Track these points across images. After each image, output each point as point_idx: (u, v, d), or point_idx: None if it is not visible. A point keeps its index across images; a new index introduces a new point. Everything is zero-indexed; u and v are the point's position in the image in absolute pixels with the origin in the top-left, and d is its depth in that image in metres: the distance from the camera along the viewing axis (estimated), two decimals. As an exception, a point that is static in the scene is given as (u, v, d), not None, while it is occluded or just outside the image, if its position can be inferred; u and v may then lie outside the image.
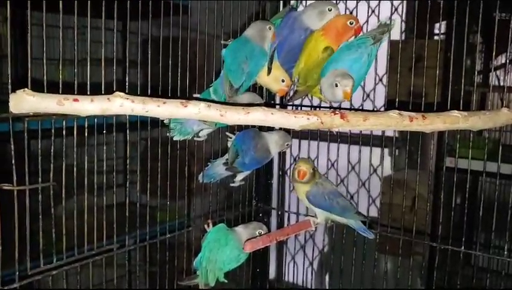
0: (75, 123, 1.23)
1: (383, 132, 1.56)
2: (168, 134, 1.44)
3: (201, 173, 1.59)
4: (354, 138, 1.65)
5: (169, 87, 1.43)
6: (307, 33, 1.56)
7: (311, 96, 1.70)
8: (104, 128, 1.28)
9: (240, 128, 1.65)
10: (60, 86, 1.19)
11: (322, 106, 1.68)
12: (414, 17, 1.52)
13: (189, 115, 1.05)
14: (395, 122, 1.14)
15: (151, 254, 1.39)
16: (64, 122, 1.21)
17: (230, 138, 1.62)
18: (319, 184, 1.49)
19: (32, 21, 1.13)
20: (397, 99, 1.48)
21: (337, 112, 1.11)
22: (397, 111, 1.14)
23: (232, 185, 1.66)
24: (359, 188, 1.69)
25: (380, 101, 1.84)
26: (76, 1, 1.20)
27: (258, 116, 1.07)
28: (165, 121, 1.43)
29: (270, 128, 1.64)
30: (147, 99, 1.03)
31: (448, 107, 1.35)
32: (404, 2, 1.73)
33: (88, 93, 1.24)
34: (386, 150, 2.16)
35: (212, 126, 1.46)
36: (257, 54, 1.47)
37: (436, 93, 1.47)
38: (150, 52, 1.41)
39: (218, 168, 1.59)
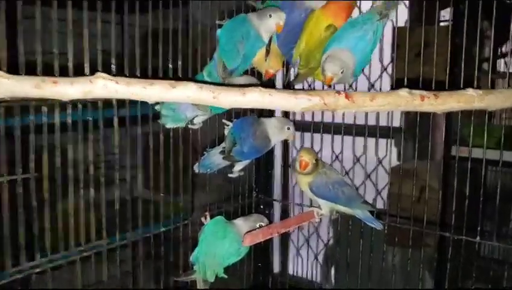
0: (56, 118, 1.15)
1: (390, 121, 1.48)
2: (159, 121, 1.36)
3: (197, 163, 1.52)
4: (358, 129, 1.57)
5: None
6: (307, 12, 1.48)
7: (314, 80, 1.62)
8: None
9: (238, 115, 1.58)
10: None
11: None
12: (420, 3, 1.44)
13: (179, 98, 0.98)
14: (405, 101, 1.06)
15: (146, 250, 1.32)
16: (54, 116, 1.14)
17: (228, 125, 1.54)
18: (323, 174, 1.41)
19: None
20: (405, 78, 1.39)
21: (341, 92, 1.03)
22: (407, 89, 1.06)
23: (230, 175, 1.59)
24: (365, 180, 1.61)
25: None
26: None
27: (255, 97, 1.00)
28: (156, 108, 1.36)
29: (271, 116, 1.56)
30: (132, 80, 0.96)
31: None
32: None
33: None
34: (392, 141, 2.07)
35: (206, 112, 1.39)
36: (253, 37, 1.39)
37: (446, 79, 1.39)
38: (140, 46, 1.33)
39: (214, 158, 1.51)
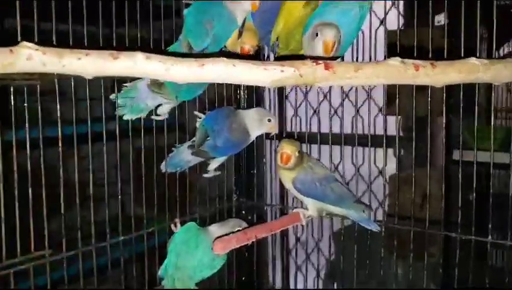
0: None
1: (385, 128, 1.36)
2: (115, 113, 1.20)
3: (164, 161, 1.35)
4: (356, 139, 1.42)
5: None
6: (285, -12, 1.33)
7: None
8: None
9: (213, 107, 1.42)
10: None
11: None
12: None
13: (122, 70, 0.82)
14: (396, 72, 0.91)
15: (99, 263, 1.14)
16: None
17: (200, 118, 1.38)
18: (308, 168, 1.25)
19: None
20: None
21: (319, 62, 0.87)
22: (399, 58, 0.91)
23: (205, 175, 1.42)
24: (369, 191, 1.44)
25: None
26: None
27: (216, 69, 0.84)
28: (111, 97, 1.19)
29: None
30: (64, 50, 0.80)
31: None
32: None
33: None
34: (390, 151, 1.92)
35: (171, 99, 1.22)
36: (226, 18, 1.23)
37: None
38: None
39: (184, 154, 1.35)
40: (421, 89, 1.26)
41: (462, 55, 1.26)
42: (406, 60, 0.91)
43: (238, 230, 1.25)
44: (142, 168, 1.26)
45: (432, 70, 0.92)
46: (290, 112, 1.60)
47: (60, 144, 1.06)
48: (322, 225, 1.62)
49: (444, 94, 1.28)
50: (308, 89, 1.58)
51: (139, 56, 0.82)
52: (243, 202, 1.60)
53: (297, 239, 1.87)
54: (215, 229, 1.31)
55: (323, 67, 0.87)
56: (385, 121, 1.38)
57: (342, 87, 1.45)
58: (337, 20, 1.18)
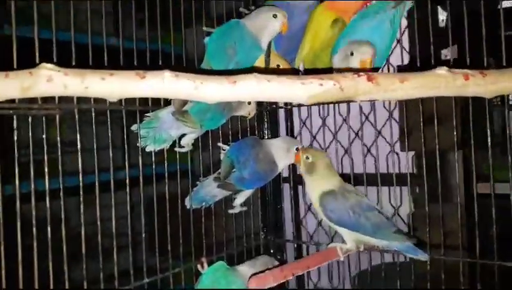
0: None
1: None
2: (138, 144, 1.14)
3: (188, 196, 1.28)
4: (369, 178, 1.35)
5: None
6: (309, 12, 1.31)
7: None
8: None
9: (237, 137, 1.36)
10: None
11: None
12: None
13: (150, 91, 0.77)
14: (444, 82, 0.85)
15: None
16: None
17: (224, 150, 1.32)
18: (339, 193, 1.17)
19: None
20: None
21: (361, 73, 0.82)
22: (445, 68, 0.85)
23: (231, 211, 1.35)
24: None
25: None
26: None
27: (249, 86, 0.79)
28: (132, 128, 1.14)
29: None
30: (86, 71, 0.75)
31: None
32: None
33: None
34: (405, 189, 1.83)
35: (195, 128, 1.17)
36: (249, 44, 1.20)
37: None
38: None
39: (209, 188, 1.28)
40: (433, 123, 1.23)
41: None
42: (454, 70, 0.86)
43: (269, 268, 1.17)
44: (167, 207, 1.18)
45: (482, 79, 0.85)
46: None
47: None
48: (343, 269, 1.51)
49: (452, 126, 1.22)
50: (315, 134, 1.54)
51: (167, 74, 0.77)
52: (270, 239, 1.52)
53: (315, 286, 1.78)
54: (245, 269, 1.22)
55: (366, 79, 0.81)
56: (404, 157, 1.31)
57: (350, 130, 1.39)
58: (369, 37, 1.14)
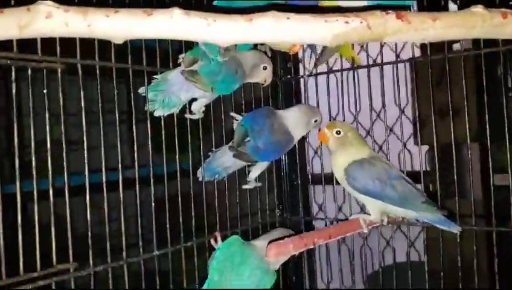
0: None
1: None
2: (146, 108, 1.08)
3: (200, 168, 1.21)
4: None
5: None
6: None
7: (341, 58, 1.35)
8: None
9: (250, 107, 1.30)
10: None
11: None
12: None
13: (157, 31, 0.71)
14: (480, 20, 0.78)
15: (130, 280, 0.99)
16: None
17: (237, 120, 1.26)
18: (365, 161, 1.10)
19: None
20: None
21: (390, 11, 0.75)
22: (481, 6, 0.78)
23: (245, 187, 1.28)
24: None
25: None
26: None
27: (267, 24, 0.72)
28: (140, 91, 1.08)
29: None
30: (89, 8, 0.70)
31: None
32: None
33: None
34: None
35: (206, 90, 1.10)
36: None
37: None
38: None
39: (222, 159, 1.22)
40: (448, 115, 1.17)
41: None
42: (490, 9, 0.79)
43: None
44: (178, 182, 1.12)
45: (522, 17, 0.78)
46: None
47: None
48: (354, 269, 1.45)
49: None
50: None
51: (176, 12, 0.71)
52: (287, 217, 1.45)
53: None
54: (260, 243, 1.15)
55: (395, 16, 0.75)
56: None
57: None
58: None
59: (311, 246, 1.00)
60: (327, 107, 1.38)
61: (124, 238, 0.99)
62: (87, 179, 0.94)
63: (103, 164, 0.96)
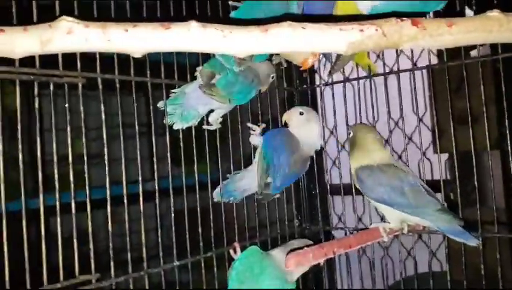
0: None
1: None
2: (164, 121, 1.09)
3: (217, 189, 1.23)
4: None
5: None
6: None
7: (357, 66, 1.35)
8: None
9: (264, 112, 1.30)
10: None
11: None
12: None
13: (174, 43, 0.72)
14: (497, 25, 0.77)
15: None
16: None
17: (253, 130, 1.27)
18: (377, 168, 1.10)
19: None
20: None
21: (404, 18, 0.75)
22: (498, 10, 0.77)
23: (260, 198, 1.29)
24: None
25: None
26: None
27: (283, 34, 0.73)
28: (159, 105, 1.10)
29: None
30: (108, 23, 0.71)
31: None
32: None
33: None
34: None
35: (223, 102, 1.12)
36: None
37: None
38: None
39: (240, 183, 1.25)
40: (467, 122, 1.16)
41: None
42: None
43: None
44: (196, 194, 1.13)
45: (540, 20, 0.78)
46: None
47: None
48: (375, 280, 1.43)
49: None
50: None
51: (193, 24, 0.72)
52: (305, 227, 1.44)
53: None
54: (279, 253, 1.15)
55: (411, 23, 0.75)
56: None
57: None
58: None
59: (331, 256, 0.99)
60: (344, 117, 1.39)
61: (144, 249, 1.00)
62: (108, 191, 0.95)
63: (124, 177, 0.97)
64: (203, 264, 1.11)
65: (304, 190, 1.45)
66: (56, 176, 0.89)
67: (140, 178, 1.01)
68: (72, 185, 0.92)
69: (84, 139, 0.94)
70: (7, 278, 0.79)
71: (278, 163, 1.21)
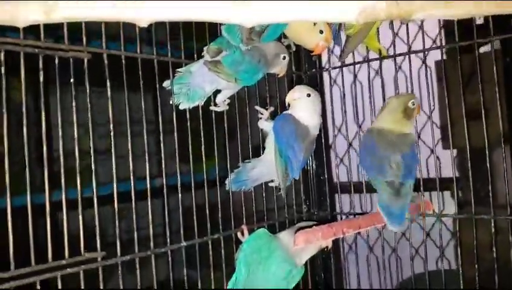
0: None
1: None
2: (171, 101, 1.08)
3: (228, 179, 1.22)
4: None
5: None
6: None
7: (367, 50, 1.33)
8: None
9: (272, 97, 1.28)
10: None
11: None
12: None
13: (183, 11, 0.71)
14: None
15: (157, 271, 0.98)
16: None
17: (262, 114, 1.25)
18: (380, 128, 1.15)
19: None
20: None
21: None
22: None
23: (271, 184, 1.27)
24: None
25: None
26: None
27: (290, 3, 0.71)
28: (164, 85, 1.09)
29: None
30: (114, -9, 0.70)
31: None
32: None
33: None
34: (447, 193, 1.70)
35: (230, 80, 1.10)
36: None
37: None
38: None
39: (252, 172, 1.23)
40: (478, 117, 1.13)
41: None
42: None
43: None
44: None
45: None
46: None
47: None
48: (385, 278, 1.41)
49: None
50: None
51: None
52: (314, 212, 1.42)
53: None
54: (287, 236, 1.13)
55: (425, -12, 0.73)
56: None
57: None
58: None
59: (341, 236, 0.98)
60: (353, 100, 1.37)
61: (151, 228, 0.98)
62: (115, 188, 0.95)
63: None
64: (210, 246, 1.10)
65: (312, 176, 1.43)
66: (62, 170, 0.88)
67: (146, 148, 1.00)
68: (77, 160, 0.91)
69: (90, 121, 0.93)
70: (11, 255, 0.78)
71: (293, 157, 1.19)
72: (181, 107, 1.10)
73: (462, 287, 1.18)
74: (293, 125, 1.21)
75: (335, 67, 1.38)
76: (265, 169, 1.23)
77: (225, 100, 1.16)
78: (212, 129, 1.15)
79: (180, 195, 1.05)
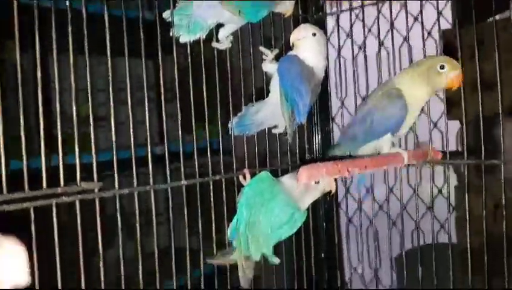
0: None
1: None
2: (171, 33, 1.03)
3: (230, 122, 1.18)
4: None
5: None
6: None
7: None
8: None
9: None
10: None
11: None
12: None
13: None
14: None
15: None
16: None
17: (266, 56, 1.20)
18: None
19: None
20: None
21: None
22: None
23: (274, 131, 1.24)
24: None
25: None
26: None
27: None
28: (164, 16, 1.04)
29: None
30: None
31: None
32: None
33: None
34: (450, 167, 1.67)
35: (233, 12, 1.04)
36: None
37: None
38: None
39: (257, 116, 1.19)
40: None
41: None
42: None
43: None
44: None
45: None
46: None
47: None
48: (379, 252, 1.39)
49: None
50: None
51: None
52: (317, 160, 1.39)
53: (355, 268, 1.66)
54: (290, 179, 1.10)
55: None
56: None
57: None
58: None
59: (346, 175, 0.94)
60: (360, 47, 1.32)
61: (150, 165, 0.95)
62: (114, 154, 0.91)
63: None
64: (211, 187, 1.07)
65: (317, 124, 1.39)
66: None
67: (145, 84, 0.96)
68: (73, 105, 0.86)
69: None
70: (4, 180, 0.75)
71: (300, 100, 1.14)
72: (181, 40, 1.05)
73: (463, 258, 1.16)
74: (299, 66, 1.16)
75: (342, 11, 1.33)
76: (270, 113, 1.19)
77: (228, 36, 1.11)
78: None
79: (180, 133, 1.02)
